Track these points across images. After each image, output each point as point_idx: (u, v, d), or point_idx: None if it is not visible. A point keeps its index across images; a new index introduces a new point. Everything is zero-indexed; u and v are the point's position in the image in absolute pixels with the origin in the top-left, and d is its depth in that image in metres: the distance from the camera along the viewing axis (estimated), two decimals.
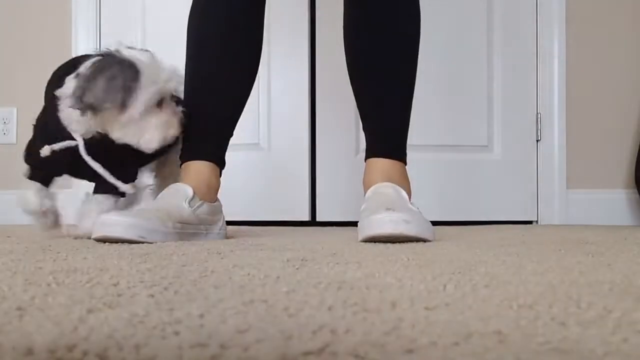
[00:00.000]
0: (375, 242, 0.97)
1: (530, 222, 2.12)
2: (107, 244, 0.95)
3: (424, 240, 0.98)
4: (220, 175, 1.24)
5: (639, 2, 2.13)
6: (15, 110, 2.20)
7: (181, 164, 1.21)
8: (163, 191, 1.15)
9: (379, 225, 0.96)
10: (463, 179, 2.11)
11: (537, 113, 2.13)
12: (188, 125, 1.20)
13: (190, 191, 1.12)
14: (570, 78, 2.11)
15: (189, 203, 1.10)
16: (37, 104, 2.30)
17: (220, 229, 1.20)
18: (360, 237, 1.01)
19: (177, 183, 1.16)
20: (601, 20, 2.13)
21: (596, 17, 2.13)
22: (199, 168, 1.18)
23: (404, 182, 1.17)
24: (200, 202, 1.13)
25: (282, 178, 2.13)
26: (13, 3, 2.24)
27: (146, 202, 1.20)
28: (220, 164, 1.23)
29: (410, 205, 1.06)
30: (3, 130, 2.19)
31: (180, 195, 1.11)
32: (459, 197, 2.10)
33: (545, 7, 2.13)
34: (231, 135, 1.26)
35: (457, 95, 2.12)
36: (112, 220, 0.98)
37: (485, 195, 2.11)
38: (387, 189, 1.11)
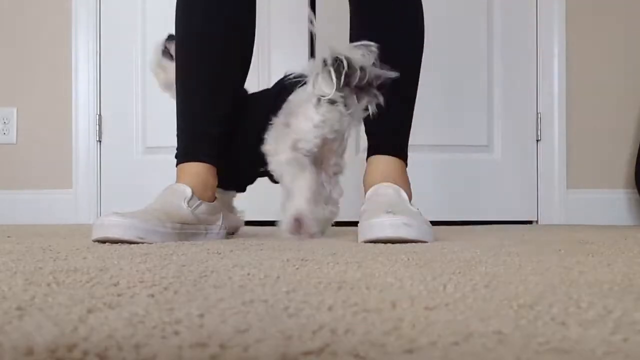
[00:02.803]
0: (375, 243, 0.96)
1: (530, 222, 2.12)
2: (107, 244, 0.95)
3: (424, 242, 0.97)
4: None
5: (638, 3, 2.13)
6: (15, 110, 2.20)
7: (176, 165, 1.19)
8: (161, 191, 1.12)
9: (380, 229, 0.96)
10: (463, 179, 2.11)
11: (537, 113, 2.12)
12: (181, 126, 1.21)
13: (188, 191, 1.10)
14: (570, 78, 2.11)
15: (188, 203, 1.08)
16: (37, 104, 2.30)
17: (220, 229, 1.18)
18: (360, 240, 1.00)
19: (175, 183, 1.14)
20: (601, 20, 2.13)
21: (596, 17, 2.13)
22: (195, 169, 1.16)
23: (404, 182, 1.16)
24: (199, 201, 1.11)
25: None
26: (13, 3, 2.25)
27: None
28: (217, 162, 1.19)
29: (410, 206, 1.05)
30: (3, 130, 2.19)
31: (178, 195, 1.09)
32: (459, 197, 2.10)
33: (545, 8, 2.13)
34: (226, 133, 1.22)
35: (458, 95, 2.11)
36: (111, 221, 0.96)
37: (485, 195, 2.11)
38: (387, 190, 1.09)
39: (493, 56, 2.13)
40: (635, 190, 2.03)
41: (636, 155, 2.02)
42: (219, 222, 1.19)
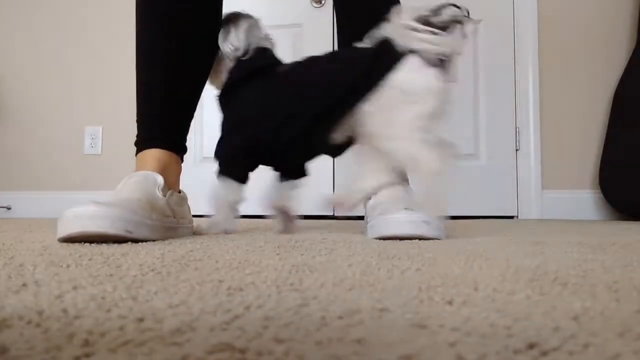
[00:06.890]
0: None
1: (511, 217, 2.06)
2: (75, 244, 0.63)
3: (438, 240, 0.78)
4: (182, 162, 0.94)
5: (604, 38, 2.06)
6: (100, 128, 2.25)
7: (136, 153, 0.90)
8: (126, 180, 0.80)
9: (398, 226, 0.76)
10: (456, 181, 2.06)
11: (515, 127, 2.08)
12: (142, 111, 0.92)
13: (160, 179, 0.81)
14: (543, 99, 2.06)
15: (162, 192, 0.80)
16: (118, 124, 2.30)
17: (189, 222, 0.90)
18: (375, 236, 0.80)
19: (141, 171, 0.83)
20: (569, 51, 2.08)
21: (564, 50, 2.08)
22: (157, 155, 0.87)
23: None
24: (170, 191, 0.83)
25: (312, 181, 2.15)
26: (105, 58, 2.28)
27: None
28: (181, 150, 0.93)
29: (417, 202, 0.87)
30: (92, 144, 2.23)
31: (151, 183, 0.79)
32: (453, 196, 2.05)
33: (521, 41, 2.09)
34: (190, 119, 0.96)
35: (451, 114, 2.07)
36: (92, 211, 0.63)
37: (473, 195, 2.07)
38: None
39: (479, 82, 2.10)
40: (599, 191, 1.95)
41: (599, 164, 1.95)
42: (189, 215, 0.91)
